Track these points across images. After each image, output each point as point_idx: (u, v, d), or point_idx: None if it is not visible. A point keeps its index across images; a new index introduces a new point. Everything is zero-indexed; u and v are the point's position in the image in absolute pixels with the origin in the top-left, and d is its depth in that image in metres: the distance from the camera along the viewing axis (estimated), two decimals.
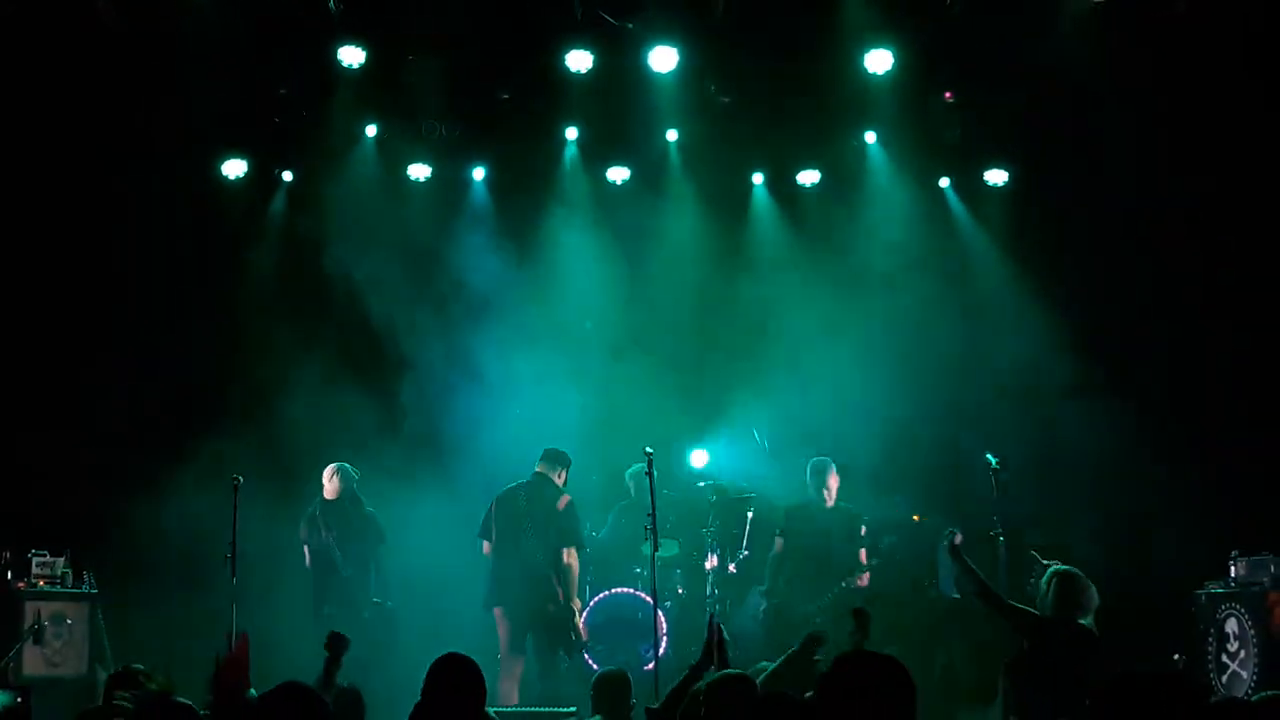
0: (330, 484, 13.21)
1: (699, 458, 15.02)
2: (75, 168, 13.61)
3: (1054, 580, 9.41)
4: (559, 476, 12.84)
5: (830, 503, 13.18)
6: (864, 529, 13.16)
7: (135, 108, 13.49)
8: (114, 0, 12.45)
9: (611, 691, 8.53)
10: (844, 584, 12.72)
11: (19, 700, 10.31)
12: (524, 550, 12.63)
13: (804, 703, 6.44)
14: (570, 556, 12.51)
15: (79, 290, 13.92)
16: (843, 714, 4.81)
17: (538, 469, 12.88)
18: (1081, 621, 9.29)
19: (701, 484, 14.56)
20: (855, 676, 4.83)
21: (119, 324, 14.10)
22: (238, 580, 11.30)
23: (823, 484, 13.16)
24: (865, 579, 12.94)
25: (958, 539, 10.41)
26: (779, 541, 13.20)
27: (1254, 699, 6.84)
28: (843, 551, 13.01)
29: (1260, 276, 13.04)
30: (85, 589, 12.39)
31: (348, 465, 13.33)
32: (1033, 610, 9.65)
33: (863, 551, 13.09)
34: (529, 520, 12.69)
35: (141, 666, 8.26)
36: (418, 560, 13.70)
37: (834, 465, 13.22)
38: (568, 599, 12.48)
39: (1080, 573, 9.53)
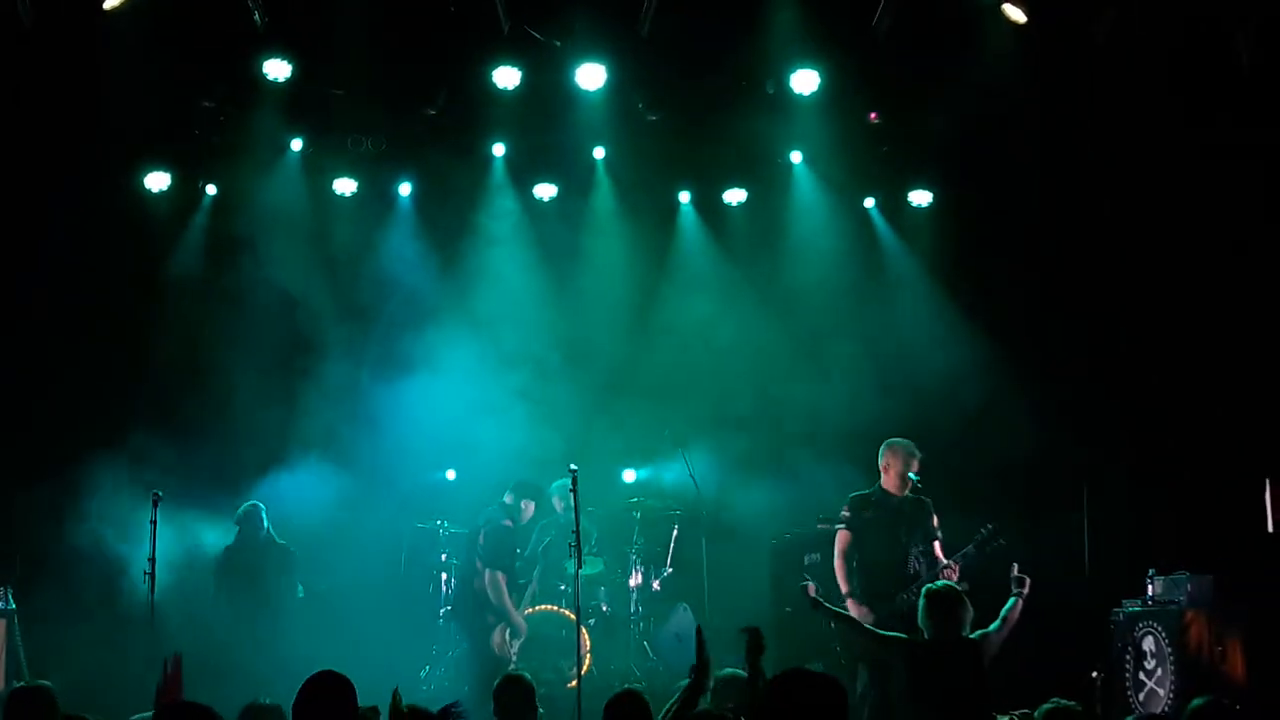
0: (246, 524, 13.13)
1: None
2: None
3: (925, 599, 9.49)
4: (526, 505, 12.87)
5: (903, 491, 11.61)
6: (936, 519, 11.64)
7: (55, 119, 13.31)
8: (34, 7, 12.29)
9: (519, 699, 8.17)
10: (942, 569, 11.01)
11: None
12: (471, 573, 12.82)
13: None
14: (494, 578, 12.50)
15: None
16: None
17: (504, 498, 12.90)
18: (963, 635, 9.38)
19: (632, 499, 14.64)
20: (793, 698, 4.73)
21: (38, 338, 13.89)
22: (158, 595, 11.22)
23: (896, 469, 11.62)
24: (955, 571, 10.99)
25: (811, 589, 10.24)
26: (843, 535, 11.66)
27: (1190, 708, 6.89)
28: (913, 544, 11.52)
29: (1180, 295, 13.21)
30: (3, 605, 12.20)
31: (258, 504, 13.25)
32: (903, 636, 9.78)
33: (936, 544, 11.53)
34: (476, 545, 12.82)
35: (48, 683, 8.10)
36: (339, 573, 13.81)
37: (912, 451, 11.64)
38: (498, 620, 12.52)
39: (953, 586, 9.62)
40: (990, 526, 11.22)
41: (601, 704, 7.46)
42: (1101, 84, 12.92)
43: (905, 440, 11.75)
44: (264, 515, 13.19)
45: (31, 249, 13.75)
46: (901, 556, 11.43)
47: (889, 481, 11.68)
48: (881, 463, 11.74)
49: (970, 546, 11.18)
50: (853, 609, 11.10)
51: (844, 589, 11.46)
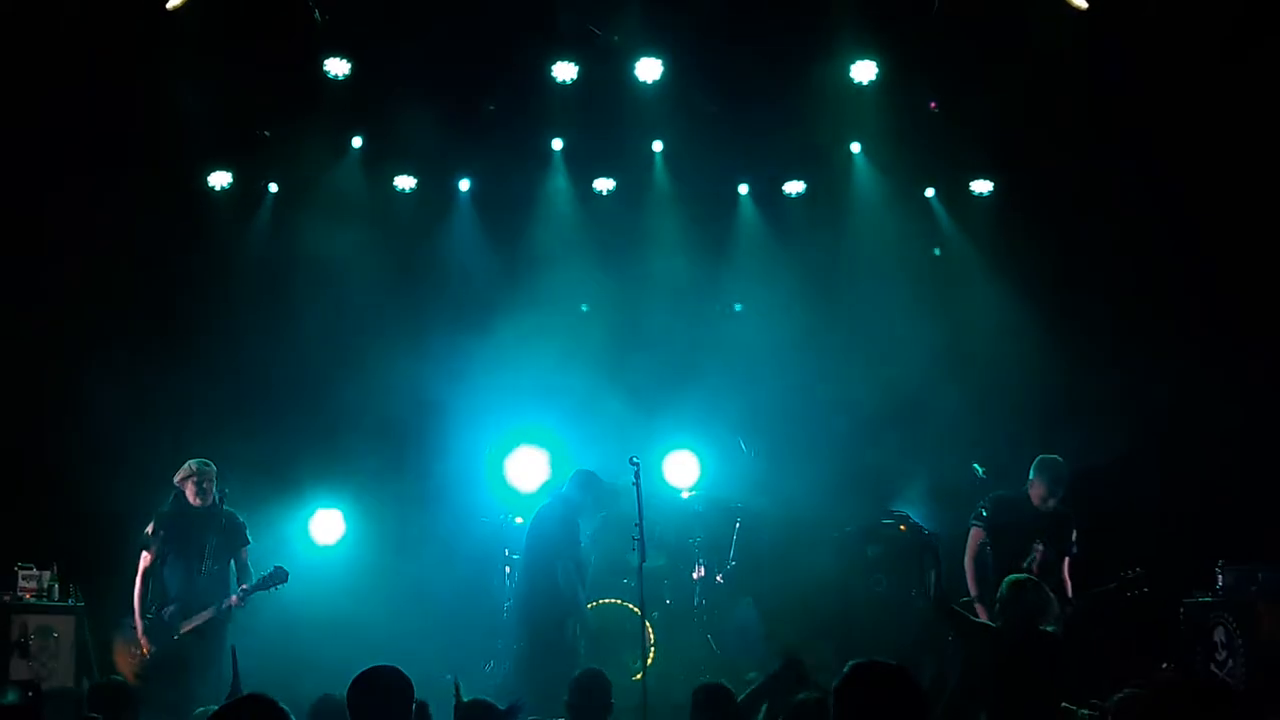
0: (189, 485, 11.85)
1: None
2: (61, 182, 13.51)
3: (1010, 589, 9.44)
4: (585, 498, 12.75)
5: (1045, 505, 11.35)
6: (1075, 534, 11.45)
7: (119, 119, 13.42)
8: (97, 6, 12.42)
9: (597, 694, 8.20)
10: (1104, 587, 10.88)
11: (30, 695, 10.18)
12: (528, 565, 12.73)
13: None
14: (568, 571, 12.43)
15: (71, 300, 13.79)
16: None
17: (564, 490, 12.85)
18: (1044, 628, 9.34)
19: (687, 494, 14.61)
20: (871, 689, 4.80)
21: (107, 337, 13.98)
22: None
23: (1037, 492, 11.34)
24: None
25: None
26: (976, 534, 11.46)
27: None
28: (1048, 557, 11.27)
29: (1251, 282, 13.07)
30: (72, 602, 12.33)
31: (207, 462, 12.06)
32: (989, 624, 9.74)
33: (1068, 560, 11.40)
34: (532, 538, 12.72)
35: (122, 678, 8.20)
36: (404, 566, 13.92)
37: (1059, 479, 11.32)
38: (563, 614, 12.44)
39: (1036, 579, 9.56)
40: (1137, 569, 11.11)
41: (666, 698, 7.50)
42: (1163, 67, 12.78)
43: (1056, 463, 11.39)
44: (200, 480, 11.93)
45: (102, 251, 13.83)
46: (1031, 567, 10.95)
47: (1034, 492, 11.39)
48: (1030, 476, 11.42)
49: (1113, 584, 11.08)
50: (982, 614, 10.80)
51: (973, 591, 11.21)
